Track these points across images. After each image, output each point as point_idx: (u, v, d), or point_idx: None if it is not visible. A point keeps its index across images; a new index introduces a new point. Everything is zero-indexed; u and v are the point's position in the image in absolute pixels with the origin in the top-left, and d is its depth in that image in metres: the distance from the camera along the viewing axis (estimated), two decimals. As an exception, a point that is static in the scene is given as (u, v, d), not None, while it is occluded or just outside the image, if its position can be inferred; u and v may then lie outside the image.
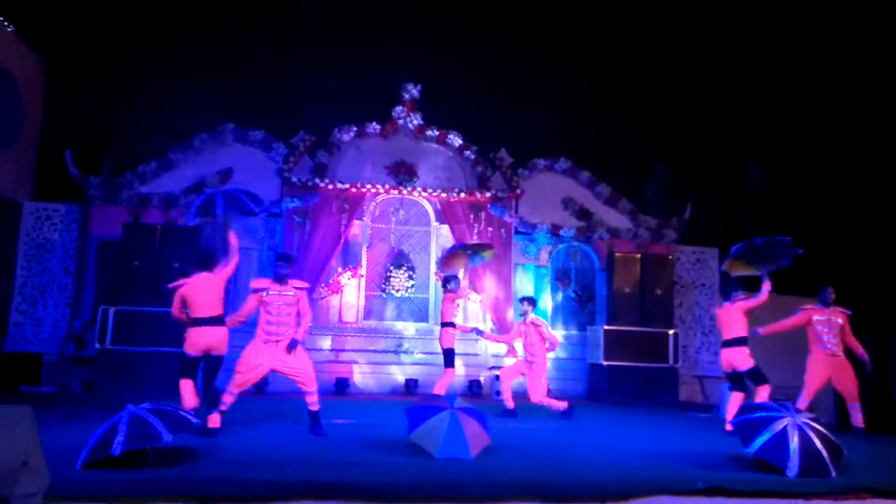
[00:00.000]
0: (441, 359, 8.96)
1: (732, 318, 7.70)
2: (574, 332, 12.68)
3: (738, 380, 7.67)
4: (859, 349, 7.90)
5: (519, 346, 8.95)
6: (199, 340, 6.33)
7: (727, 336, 7.73)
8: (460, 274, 9.22)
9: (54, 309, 11.10)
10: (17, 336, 10.91)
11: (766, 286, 7.63)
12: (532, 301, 8.66)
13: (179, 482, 4.12)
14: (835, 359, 7.83)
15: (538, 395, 8.16)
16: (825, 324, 7.89)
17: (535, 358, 8.25)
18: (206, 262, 6.63)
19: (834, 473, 4.88)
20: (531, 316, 8.40)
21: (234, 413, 6.81)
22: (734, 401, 7.52)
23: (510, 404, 8.39)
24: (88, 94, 12.50)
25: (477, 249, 9.49)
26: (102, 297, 10.69)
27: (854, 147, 13.13)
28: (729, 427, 7.23)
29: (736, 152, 14.74)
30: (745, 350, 7.60)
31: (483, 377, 11.73)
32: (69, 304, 11.13)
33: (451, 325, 8.84)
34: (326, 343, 11.64)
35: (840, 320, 7.92)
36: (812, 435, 4.99)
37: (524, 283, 12.52)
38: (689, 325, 13.05)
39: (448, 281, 9.08)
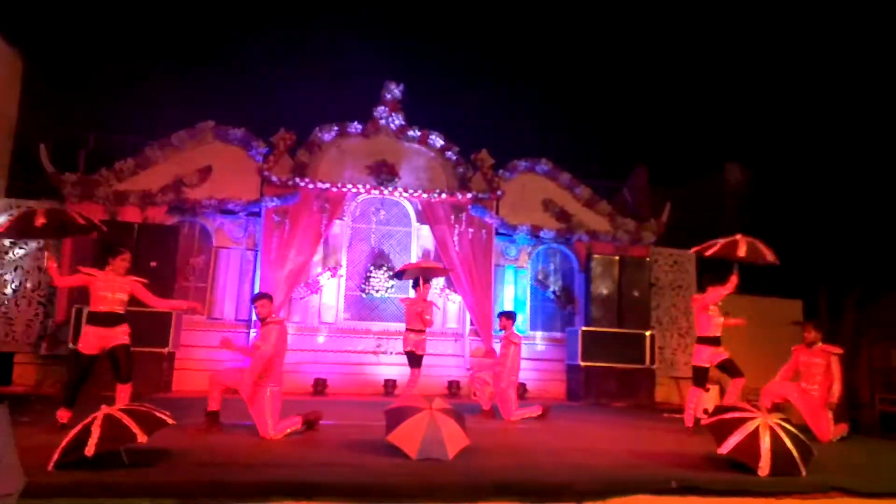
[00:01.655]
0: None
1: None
2: (553, 332, 12.77)
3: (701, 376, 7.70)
4: (833, 394, 7.38)
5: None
6: None
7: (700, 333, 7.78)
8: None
9: (27, 307, 10.91)
10: (-11, 335, 10.70)
11: (734, 278, 7.50)
12: (511, 315, 8.66)
13: (155, 483, 4.08)
14: (805, 394, 7.56)
15: (510, 413, 8.19)
16: (805, 364, 7.67)
17: (506, 374, 8.27)
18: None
19: (804, 473, 4.98)
20: (510, 331, 8.44)
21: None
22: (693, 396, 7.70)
23: (486, 405, 8.44)
24: (65, 90, 12.32)
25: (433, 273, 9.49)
26: (76, 296, 10.54)
27: (833, 148, 13.38)
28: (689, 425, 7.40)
29: (714, 155, 14.96)
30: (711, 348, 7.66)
31: (462, 378, 11.76)
32: (42, 303, 10.95)
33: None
34: (305, 343, 11.58)
35: (819, 360, 7.54)
36: (783, 435, 5.09)
37: (505, 285, 12.59)
38: (666, 326, 13.20)
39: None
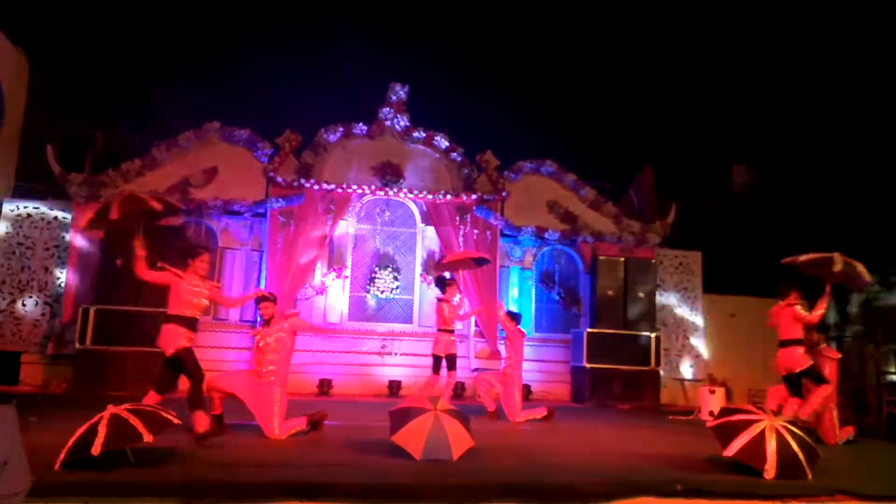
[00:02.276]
0: (426, 361, 8.97)
1: (784, 318, 7.22)
2: (558, 334, 12.75)
3: (793, 383, 7.18)
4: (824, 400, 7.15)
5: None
6: None
7: (782, 336, 7.25)
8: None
9: (34, 307, 10.97)
10: (-4, 334, 10.76)
11: (822, 305, 7.02)
12: (516, 316, 8.65)
13: (160, 483, 4.09)
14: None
15: (515, 415, 8.19)
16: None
17: (512, 370, 8.29)
18: None
19: (810, 476, 4.96)
20: (515, 328, 8.43)
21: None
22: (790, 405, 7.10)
23: (492, 407, 8.43)
24: (72, 91, 12.37)
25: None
26: (83, 296, 10.59)
27: (840, 149, 13.33)
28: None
29: (720, 156, 14.91)
30: (798, 350, 7.15)
31: (467, 379, 11.75)
32: (49, 303, 11.00)
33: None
34: (310, 344, 11.60)
35: (821, 363, 7.37)
36: (789, 438, 5.07)
37: (510, 286, 12.59)
38: (672, 328, 13.16)
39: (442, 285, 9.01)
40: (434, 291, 12.12)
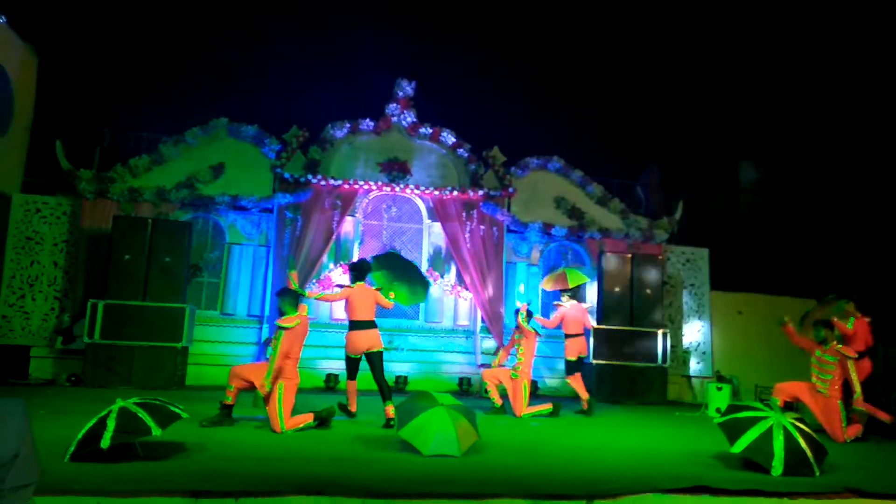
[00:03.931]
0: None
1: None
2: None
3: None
4: (855, 398, 7.32)
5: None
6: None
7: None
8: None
9: (43, 302, 11.04)
10: (5, 329, 10.84)
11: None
12: (530, 314, 8.66)
13: (169, 476, 4.12)
14: (816, 394, 7.48)
15: (520, 410, 8.21)
16: (818, 360, 7.53)
17: (521, 367, 8.29)
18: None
19: (818, 473, 4.94)
20: (526, 326, 8.44)
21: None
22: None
23: (499, 402, 8.44)
24: (80, 87, 12.42)
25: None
26: (92, 291, 10.65)
27: (847, 146, 13.24)
28: None
29: (728, 152, 14.84)
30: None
31: (473, 375, 11.76)
32: (58, 298, 11.07)
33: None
34: (317, 339, 11.63)
35: (831, 359, 7.42)
36: (797, 435, 5.05)
37: (516, 282, 12.57)
38: (679, 324, 13.13)
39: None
40: (440, 288, 12.15)
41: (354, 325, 7.19)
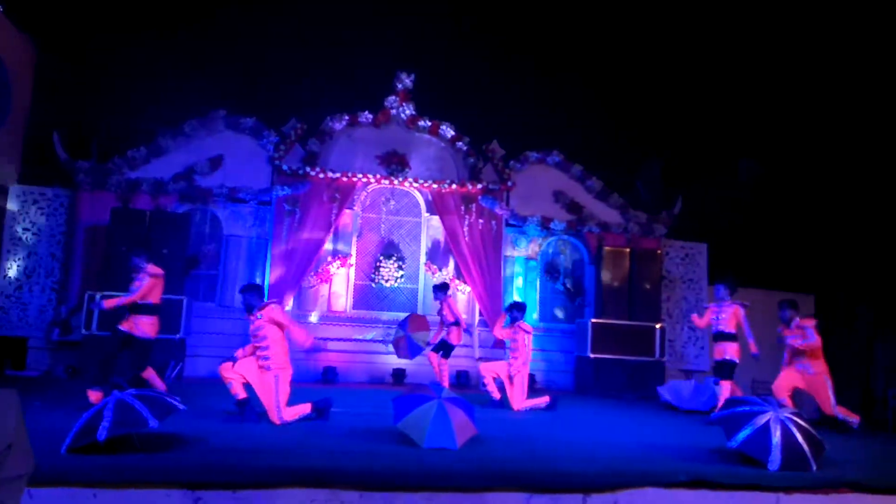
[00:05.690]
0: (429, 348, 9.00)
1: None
2: (562, 324, 12.74)
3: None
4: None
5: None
6: None
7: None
8: None
9: (40, 294, 11.02)
10: (3, 320, 10.82)
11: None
12: (522, 307, 8.66)
13: (166, 468, 4.11)
14: (804, 374, 7.71)
15: (519, 403, 8.22)
16: (790, 343, 7.76)
17: (518, 363, 8.29)
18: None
19: (815, 468, 4.95)
20: (520, 322, 8.44)
21: (221, 400, 6.82)
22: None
23: (496, 395, 8.45)
24: (78, 78, 12.34)
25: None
26: (89, 283, 10.63)
27: (847, 142, 13.21)
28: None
29: (728, 148, 14.80)
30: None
31: (471, 368, 11.76)
32: (55, 289, 11.05)
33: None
34: (314, 332, 11.62)
35: (797, 335, 7.65)
36: (794, 430, 5.05)
37: (514, 276, 12.57)
38: (677, 319, 13.14)
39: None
40: (436, 279, 12.13)
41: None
